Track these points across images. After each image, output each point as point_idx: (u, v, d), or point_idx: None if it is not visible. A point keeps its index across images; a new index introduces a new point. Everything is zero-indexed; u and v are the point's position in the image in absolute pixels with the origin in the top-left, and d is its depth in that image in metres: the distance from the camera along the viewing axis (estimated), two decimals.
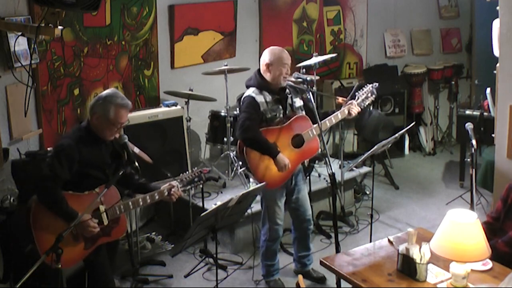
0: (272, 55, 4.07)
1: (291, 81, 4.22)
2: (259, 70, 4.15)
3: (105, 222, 3.31)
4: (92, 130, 3.35)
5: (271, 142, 4.03)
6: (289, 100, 4.17)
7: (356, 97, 4.31)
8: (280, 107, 4.12)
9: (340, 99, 4.41)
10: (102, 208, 3.29)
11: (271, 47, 4.18)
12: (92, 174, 3.32)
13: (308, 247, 4.50)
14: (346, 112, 4.22)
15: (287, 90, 4.16)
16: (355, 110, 4.23)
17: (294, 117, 4.13)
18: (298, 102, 4.22)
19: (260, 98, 4.05)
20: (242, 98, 4.16)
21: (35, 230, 3.16)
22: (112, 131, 3.35)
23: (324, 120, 4.14)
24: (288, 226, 4.68)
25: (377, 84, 4.39)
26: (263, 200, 4.27)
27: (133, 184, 3.58)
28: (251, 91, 4.10)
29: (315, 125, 4.07)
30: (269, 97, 4.08)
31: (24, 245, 3.28)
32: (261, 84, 4.10)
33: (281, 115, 4.12)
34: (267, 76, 4.09)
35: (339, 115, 4.21)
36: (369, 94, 4.33)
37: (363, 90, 4.34)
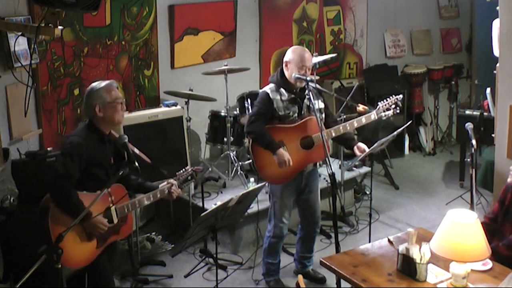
0: (292, 54, 4.07)
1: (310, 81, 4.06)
2: (282, 68, 4.14)
3: (115, 220, 3.34)
4: (96, 128, 3.37)
5: (279, 139, 4.03)
6: (306, 101, 4.12)
7: (377, 107, 4.18)
8: (296, 106, 4.10)
9: (361, 107, 4.29)
10: (112, 206, 3.31)
11: (296, 46, 4.20)
12: (96, 173, 3.33)
13: (311, 250, 4.50)
14: (364, 121, 4.13)
15: (306, 91, 4.10)
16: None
17: (307, 118, 4.09)
18: (318, 105, 4.13)
19: (274, 95, 4.06)
20: (259, 92, 4.20)
21: (53, 230, 3.11)
22: (118, 110, 3.40)
23: (338, 126, 4.11)
24: (292, 227, 4.68)
25: (401, 96, 4.23)
26: (270, 196, 4.28)
27: (132, 185, 3.60)
28: (268, 87, 4.12)
29: (328, 129, 4.06)
30: (285, 96, 4.07)
31: (26, 247, 3.27)
32: (279, 81, 4.10)
33: (296, 115, 4.10)
34: (286, 74, 4.09)
35: (354, 123, 4.12)
36: (393, 106, 4.17)
37: (386, 100, 4.18)
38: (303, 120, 4.10)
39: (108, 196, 3.31)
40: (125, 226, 3.44)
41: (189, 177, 3.63)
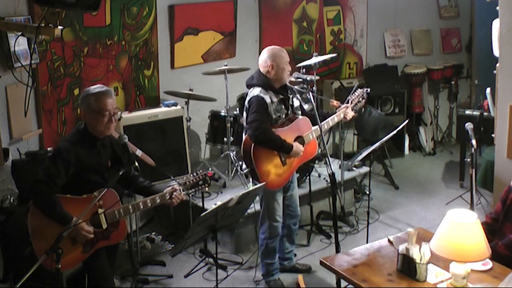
0: (274, 56, 4.09)
1: (290, 81, 4.26)
2: (260, 71, 4.14)
3: (104, 225, 3.25)
4: (89, 131, 3.31)
5: None
6: (290, 101, 4.21)
7: (349, 102, 4.38)
8: (283, 107, 4.15)
9: (334, 103, 4.48)
10: (100, 211, 3.22)
11: (269, 47, 4.20)
12: (90, 177, 3.27)
13: (293, 241, 4.60)
14: (342, 116, 4.30)
15: (289, 91, 4.19)
16: (350, 114, 4.33)
17: (297, 118, 4.18)
18: (296, 102, 4.28)
19: (267, 98, 4.06)
20: (249, 98, 4.13)
21: (32, 232, 3.13)
22: (103, 122, 3.26)
23: (322, 123, 4.14)
24: None
25: (368, 88, 4.50)
26: (263, 198, 4.29)
27: (136, 186, 3.52)
28: (258, 91, 4.07)
29: (314, 127, 4.12)
30: (274, 97, 4.09)
31: (23, 247, 3.26)
32: (266, 83, 4.09)
33: (284, 116, 4.15)
34: (271, 76, 4.09)
35: (335, 119, 4.30)
36: (360, 99, 4.42)
37: (354, 94, 4.42)
38: (294, 121, 4.17)
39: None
40: (116, 232, 3.33)
41: (201, 182, 3.49)
